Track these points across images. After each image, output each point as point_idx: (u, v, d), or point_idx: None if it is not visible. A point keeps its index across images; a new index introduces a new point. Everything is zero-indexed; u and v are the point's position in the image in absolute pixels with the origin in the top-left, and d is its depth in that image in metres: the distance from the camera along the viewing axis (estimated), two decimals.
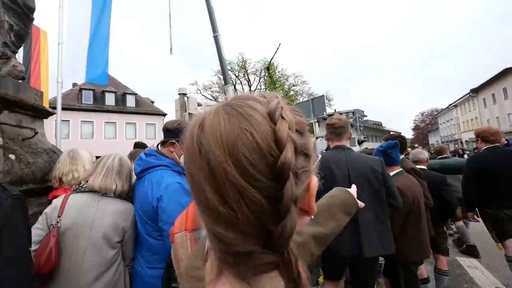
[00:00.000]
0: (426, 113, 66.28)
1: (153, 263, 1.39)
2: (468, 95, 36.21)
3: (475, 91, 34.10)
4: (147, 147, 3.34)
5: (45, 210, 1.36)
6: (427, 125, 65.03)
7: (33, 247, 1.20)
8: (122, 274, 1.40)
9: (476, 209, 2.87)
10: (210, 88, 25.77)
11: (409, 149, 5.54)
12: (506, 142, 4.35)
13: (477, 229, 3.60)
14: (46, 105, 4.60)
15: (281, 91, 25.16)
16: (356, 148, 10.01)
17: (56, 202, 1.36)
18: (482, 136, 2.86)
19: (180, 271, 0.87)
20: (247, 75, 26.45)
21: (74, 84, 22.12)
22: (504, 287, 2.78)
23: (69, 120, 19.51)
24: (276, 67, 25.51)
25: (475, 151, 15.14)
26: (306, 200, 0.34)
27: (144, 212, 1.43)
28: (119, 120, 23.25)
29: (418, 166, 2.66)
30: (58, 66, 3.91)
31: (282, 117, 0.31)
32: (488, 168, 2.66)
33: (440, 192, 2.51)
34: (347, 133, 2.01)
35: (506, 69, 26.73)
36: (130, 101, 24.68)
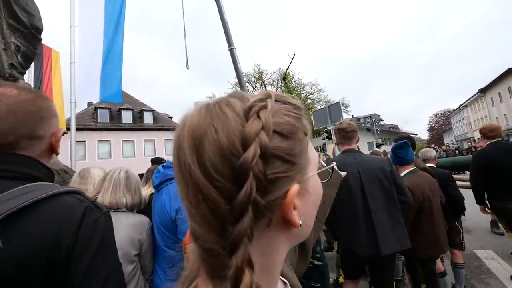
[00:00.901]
0: (440, 114, 66.30)
1: (172, 276, 1.39)
2: (477, 95, 36.26)
3: (483, 91, 34.12)
4: (164, 161, 3.32)
5: None
6: (441, 126, 64.96)
7: None
8: None
9: (487, 201, 2.95)
10: None
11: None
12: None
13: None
14: (62, 126, 4.56)
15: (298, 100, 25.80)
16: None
17: None
18: (483, 133, 3.00)
19: None
20: (265, 86, 26.68)
21: (89, 104, 21.79)
22: None
23: (84, 141, 19.07)
24: (292, 77, 25.85)
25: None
26: (284, 209, 0.30)
27: (162, 224, 1.43)
28: (137, 137, 22.84)
29: (427, 164, 2.77)
30: (71, 86, 3.89)
31: (257, 116, 0.29)
32: (492, 162, 2.77)
33: (447, 188, 2.59)
34: (356, 137, 2.10)
35: (510, 68, 27.05)
36: (148, 118, 24.33)
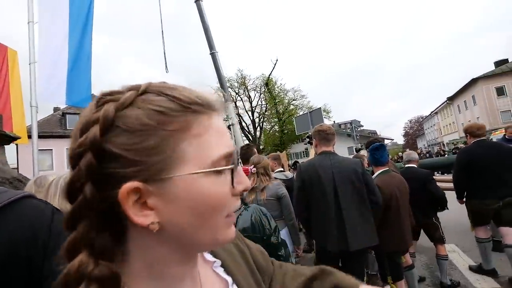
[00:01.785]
0: (414, 120, 70.47)
1: None
2: (446, 102, 38.92)
3: (451, 99, 36.71)
4: None
5: None
6: (415, 131, 69.19)
7: None
8: None
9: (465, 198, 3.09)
10: None
11: (399, 153, 5.85)
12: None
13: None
14: (22, 133, 4.00)
15: (281, 106, 25.77)
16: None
17: None
18: (470, 131, 3.01)
19: None
20: (247, 91, 26.58)
21: (56, 109, 20.38)
22: (475, 263, 3.24)
23: (51, 149, 17.59)
24: (275, 83, 26.10)
25: (453, 151, 16.13)
26: (123, 207, 0.29)
27: None
28: None
29: (411, 165, 3.07)
30: (31, 88, 3.40)
31: (97, 106, 0.30)
32: (474, 160, 2.84)
33: (426, 185, 2.81)
34: (334, 140, 2.20)
35: (473, 79, 29.29)
36: None
